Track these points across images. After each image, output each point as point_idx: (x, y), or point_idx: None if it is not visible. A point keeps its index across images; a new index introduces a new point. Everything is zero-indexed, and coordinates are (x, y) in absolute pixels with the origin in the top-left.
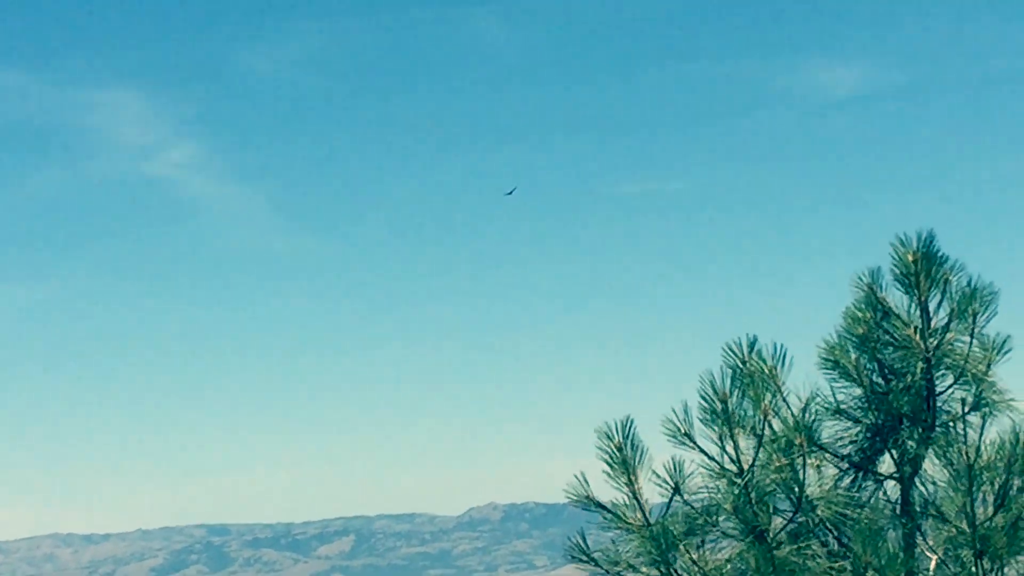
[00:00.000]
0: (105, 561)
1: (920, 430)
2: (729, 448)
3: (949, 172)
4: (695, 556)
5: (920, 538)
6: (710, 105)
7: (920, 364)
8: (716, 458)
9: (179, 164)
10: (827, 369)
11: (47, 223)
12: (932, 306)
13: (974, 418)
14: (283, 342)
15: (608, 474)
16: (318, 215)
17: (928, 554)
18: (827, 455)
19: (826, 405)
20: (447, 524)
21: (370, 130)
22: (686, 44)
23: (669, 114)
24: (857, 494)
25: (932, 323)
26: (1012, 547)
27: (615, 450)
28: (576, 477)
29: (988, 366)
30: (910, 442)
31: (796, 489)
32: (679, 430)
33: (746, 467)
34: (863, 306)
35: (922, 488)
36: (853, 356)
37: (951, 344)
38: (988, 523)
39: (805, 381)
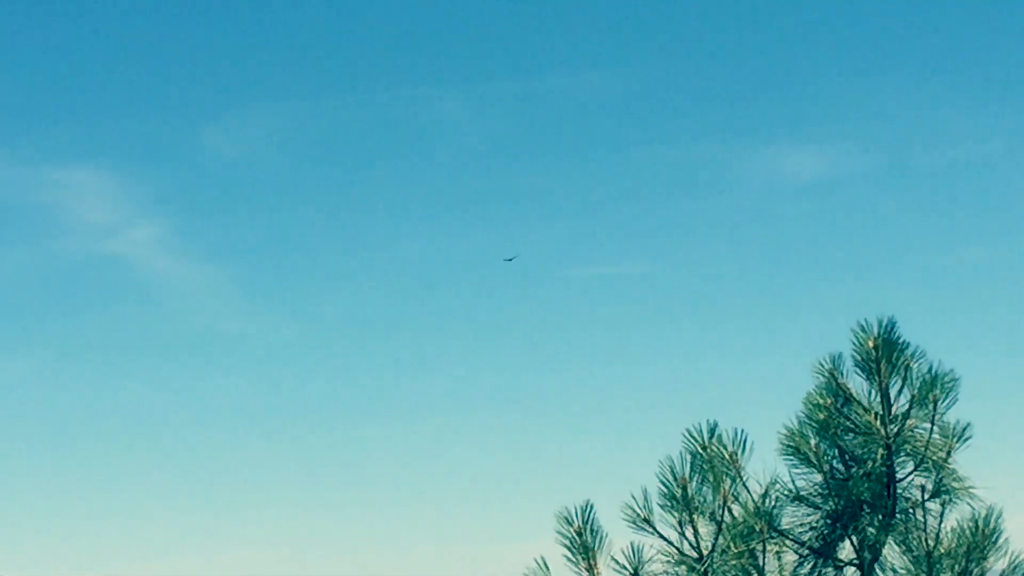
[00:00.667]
0: None
1: (880, 517)
2: (689, 534)
3: (911, 258)
4: None
5: None
6: (672, 189)
7: (881, 450)
8: (676, 544)
9: (142, 243)
10: (787, 455)
11: (5, 302)
12: (893, 392)
13: (934, 505)
14: (246, 423)
15: (568, 559)
16: (283, 295)
17: None
18: (787, 541)
19: (786, 491)
20: None
21: (334, 210)
22: (649, 128)
23: (631, 197)
24: None
25: (893, 409)
26: None
27: (575, 535)
28: (536, 561)
29: (948, 453)
30: (870, 529)
31: (756, 575)
32: (639, 515)
33: (705, 553)
34: (824, 392)
35: (882, 575)
36: (813, 442)
37: (912, 431)
38: None
39: (765, 467)
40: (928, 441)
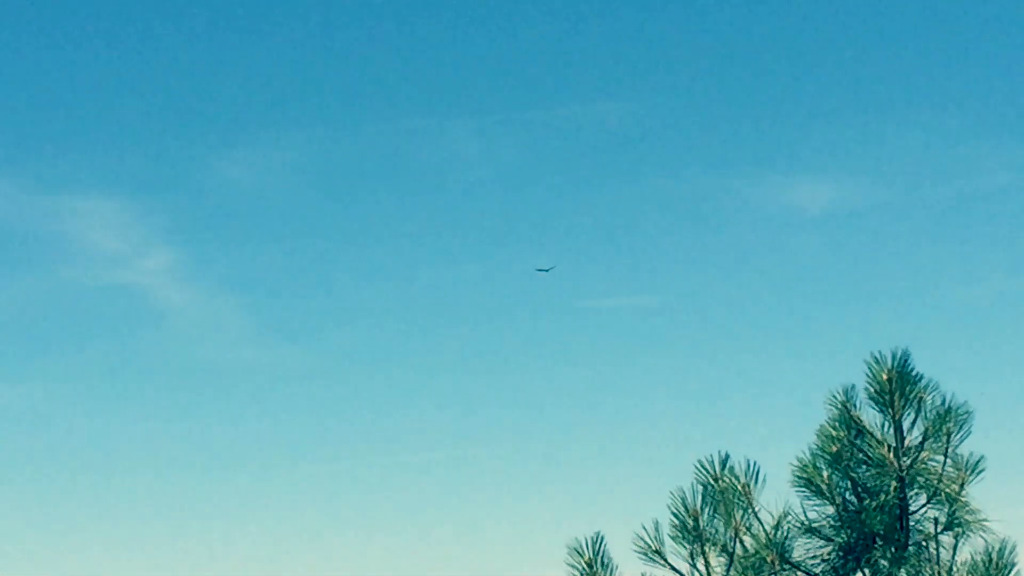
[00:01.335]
0: None
1: (893, 549)
2: (700, 565)
3: (924, 290)
4: None
5: None
6: (684, 220)
7: (893, 483)
8: (687, 575)
9: (153, 272)
10: (800, 487)
11: (17, 329)
12: (906, 425)
13: (947, 538)
14: (255, 452)
15: None
16: (293, 325)
17: None
18: (799, 573)
19: (798, 523)
20: None
21: (346, 240)
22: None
23: (643, 228)
24: None
25: (906, 442)
26: None
27: (585, 566)
28: None
29: (961, 486)
30: (883, 561)
31: None
32: (650, 547)
33: None
34: (837, 424)
35: None
36: (826, 474)
37: (925, 463)
38: None
39: (777, 498)
40: (941, 474)
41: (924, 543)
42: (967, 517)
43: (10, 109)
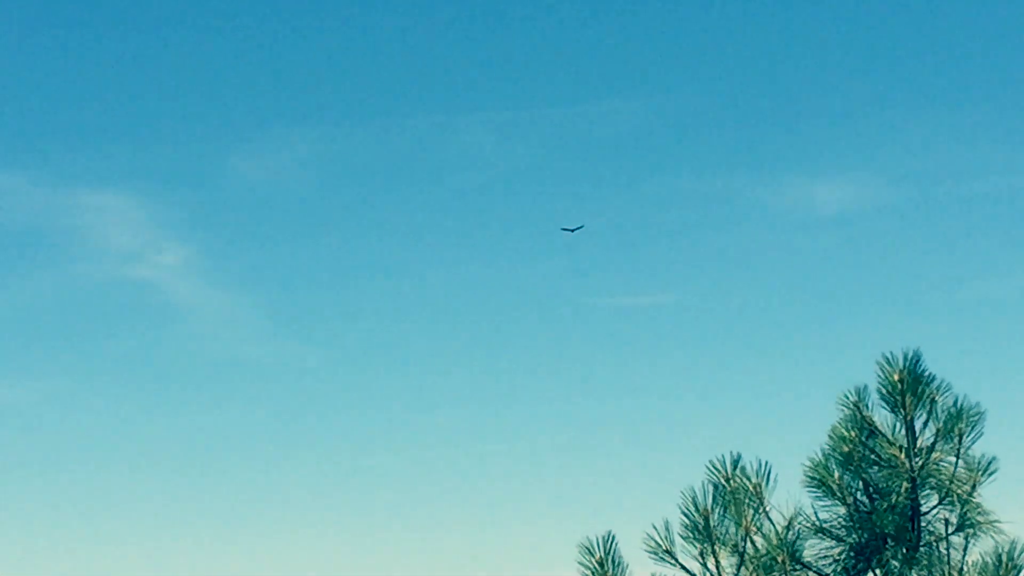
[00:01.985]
0: None
1: (904, 550)
2: (711, 565)
3: (937, 290)
4: None
5: None
6: (697, 219)
7: (905, 484)
8: (697, 575)
9: (168, 268)
10: (811, 487)
11: (31, 325)
12: (918, 425)
13: (958, 539)
14: (268, 448)
15: None
16: (307, 321)
17: None
18: (810, 573)
19: (810, 523)
20: None
21: (359, 237)
22: (674, 158)
23: (656, 227)
24: None
25: (918, 443)
26: None
27: (596, 565)
28: None
29: (973, 487)
30: (894, 562)
31: None
32: (660, 546)
33: None
34: (848, 424)
35: None
36: (837, 475)
37: (936, 464)
38: None
39: (788, 498)
40: (953, 475)
41: (935, 544)
42: (978, 518)
43: (26, 104)
